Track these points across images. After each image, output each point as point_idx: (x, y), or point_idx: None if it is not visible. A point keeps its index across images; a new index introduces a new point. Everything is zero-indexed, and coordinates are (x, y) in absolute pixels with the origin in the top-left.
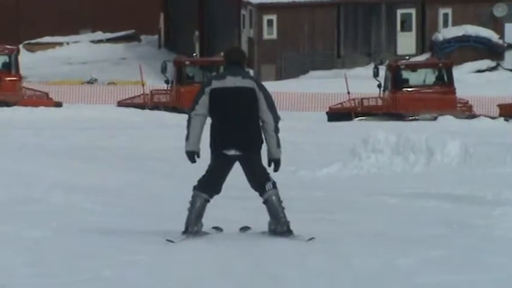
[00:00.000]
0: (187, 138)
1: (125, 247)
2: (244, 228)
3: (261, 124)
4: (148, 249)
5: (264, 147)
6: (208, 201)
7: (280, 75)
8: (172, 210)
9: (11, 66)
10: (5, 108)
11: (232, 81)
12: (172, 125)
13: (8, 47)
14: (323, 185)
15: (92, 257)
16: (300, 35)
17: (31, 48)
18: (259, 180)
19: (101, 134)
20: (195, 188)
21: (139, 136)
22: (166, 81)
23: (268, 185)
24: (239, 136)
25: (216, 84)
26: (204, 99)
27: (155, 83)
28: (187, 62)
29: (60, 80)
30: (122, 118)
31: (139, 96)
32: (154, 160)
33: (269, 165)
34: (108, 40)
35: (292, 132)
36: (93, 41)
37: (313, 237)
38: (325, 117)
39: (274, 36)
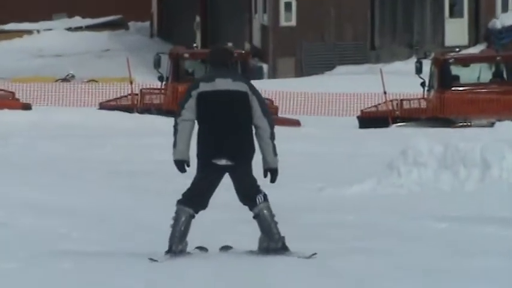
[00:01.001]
0: (174, 145)
1: (105, 281)
2: (226, 248)
3: (255, 131)
4: (133, 284)
5: (257, 156)
6: (193, 216)
7: (300, 71)
8: (164, 237)
9: None
10: None
11: (222, 84)
12: (167, 132)
13: None
14: (353, 207)
15: None
16: (325, 21)
17: None
18: (249, 192)
19: (79, 144)
20: (179, 202)
21: (126, 146)
22: (160, 78)
23: (259, 198)
24: (230, 144)
25: (204, 87)
26: (191, 103)
27: (146, 80)
28: (185, 55)
29: (29, 76)
30: (105, 124)
31: (126, 96)
32: (145, 175)
33: (265, 175)
34: (88, 27)
35: (315, 141)
36: (69, 29)
37: (315, 253)
38: (356, 122)
39: (293, 22)
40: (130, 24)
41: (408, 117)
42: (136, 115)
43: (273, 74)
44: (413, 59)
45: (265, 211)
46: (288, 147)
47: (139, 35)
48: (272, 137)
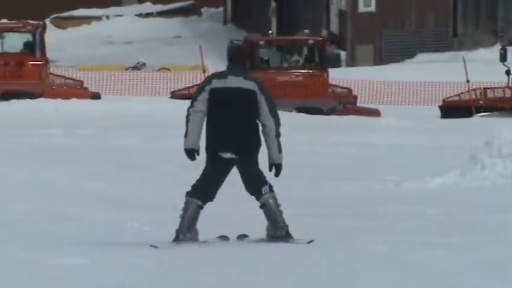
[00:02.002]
0: (185, 135)
1: (181, 277)
2: (242, 236)
3: (261, 128)
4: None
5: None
6: (201, 207)
7: (379, 59)
8: (239, 230)
9: (35, 47)
10: (28, 101)
11: (233, 82)
12: None
13: (31, 22)
14: (435, 200)
15: None
16: (405, 7)
17: (61, 23)
18: (255, 183)
19: (150, 134)
20: (187, 193)
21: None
22: None
23: (265, 189)
24: (237, 139)
25: (216, 83)
26: (203, 96)
27: (219, 68)
28: (261, 42)
29: (98, 64)
30: (177, 113)
31: (199, 85)
32: None
33: (270, 170)
34: (160, 13)
35: (395, 131)
36: (139, 15)
37: (313, 240)
38: (438, 112)
39: (373, 8)
40: (203, 10)
41: (492, 107)
42: None
43: (351, 62)
44: (498, 46)
45: (270, 201)
46: (367, 138)
47: (212, 21)
48: (277, 135)
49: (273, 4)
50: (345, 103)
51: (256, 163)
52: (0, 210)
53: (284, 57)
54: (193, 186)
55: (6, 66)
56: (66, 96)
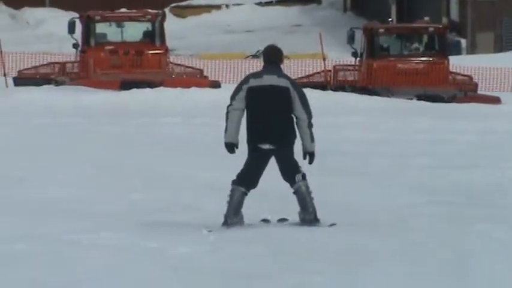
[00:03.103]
0: (225, 130)
1: (297, 266)
2: (282, 220)
3: (295, 120)
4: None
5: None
6: (246, 194)
7: (499, 47)
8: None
9: (155, 37)
10: (147, 90)
11: (268, 80)
12: (362, 110)
13: (151, 11)
14: None
15: (262, 278)
16: None
17: (180, 12)
18: (290, 172)
19: None
20: (233, 182)
21: (319, 124)
22: (354, 54)
23: (298, 177)
24: (272, 131)
25: (253, 82)
26: (241, 95)
27: (339, 56)
28: (381, 30)
29: (218, 53)
30: None
31: (319, 73)
32: (338, 155)
33: (304, 158)
34: (279, 2)
35: None
36: (259, 3)
37: (335, 223)
38: None
39: None
40: None
41: None
42: (329, 92)
43: (472, 50)
44: None
45: (303, 187)
46: (487, 126)
47: (331, 9)
48: (310, 125)
49: None
50: (465, 91)
51: (292, 153)
52: (119, 200)
53: (404, 45)
54: (238, 175)
55: (126, 55)
56: (186, 85)
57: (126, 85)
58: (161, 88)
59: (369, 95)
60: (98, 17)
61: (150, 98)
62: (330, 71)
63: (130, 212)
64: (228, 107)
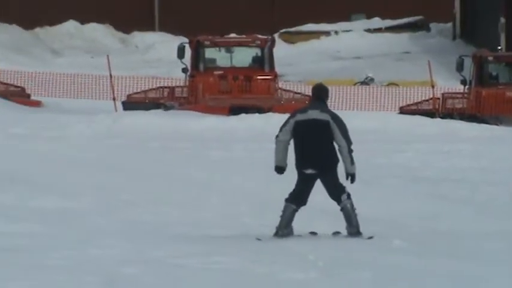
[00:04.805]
0: (275, 157)
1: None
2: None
3: (337, 148)
4: None
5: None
6: (296, 210)
7: None
8: (464, 247)
9: (264, 62)
10: (256, 116)
11: (311, 115)
12: (470, 138)
13: (260, 37)
14: None
15: None
16: None
17: (290, 38)
18: (336, 193)
19: (378, 149)
20: (286, 200)
21: (427, 152)
22: (463, 82)
23: (344, 196)
24: (314, 158)
25: (299, 117)
26: (288, 128)
27: (448, 84)
28: (490, 58)
29: (327, 79)
30: (405, 129)
31: (427, 100)
32: (448, 182)
33: (346, 178)
34: (388, 29)
35: None
36: (368, 30)
37: (372, 236)
38: None
39: None
40: (432, 25)
41: None
42: (438, 120)
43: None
44: None
45: (348, 205)
46: None
47: (440, 37)
48: (350, 151)
49: (502, 20)
50: None
51: (335, 176)
52: (230, 223)
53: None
54: (290, 194)
55: (236, 80)
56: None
57: (235, 110)
58: (270, 114)
59: (478, 123)
60: (207, 42)
61: (258, 123)
62: (438, 98)
63: (241, 236)
64: (275, 137)
